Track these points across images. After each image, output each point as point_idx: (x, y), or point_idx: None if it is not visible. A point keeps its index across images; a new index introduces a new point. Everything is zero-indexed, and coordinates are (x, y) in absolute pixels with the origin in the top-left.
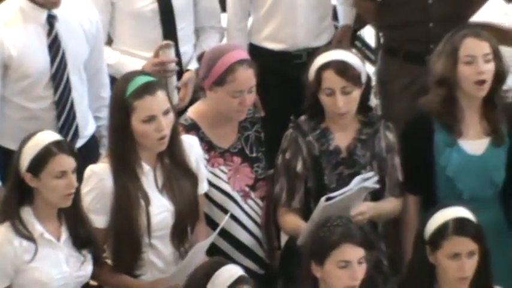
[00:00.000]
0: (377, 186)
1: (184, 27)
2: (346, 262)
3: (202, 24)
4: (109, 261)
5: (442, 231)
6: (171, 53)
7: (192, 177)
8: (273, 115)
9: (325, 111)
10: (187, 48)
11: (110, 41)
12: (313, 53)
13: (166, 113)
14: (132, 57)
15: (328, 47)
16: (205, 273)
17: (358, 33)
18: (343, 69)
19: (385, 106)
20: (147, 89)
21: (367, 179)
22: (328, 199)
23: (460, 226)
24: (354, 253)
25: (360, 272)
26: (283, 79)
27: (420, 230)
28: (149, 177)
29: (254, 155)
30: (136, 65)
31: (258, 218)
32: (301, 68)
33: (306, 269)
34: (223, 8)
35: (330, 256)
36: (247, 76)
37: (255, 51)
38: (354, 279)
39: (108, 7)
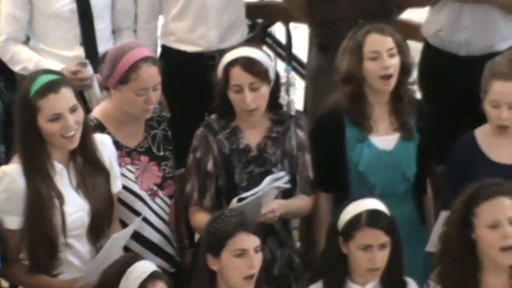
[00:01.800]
0: (288, 186)
1: (102, 27)
2: (242, 250)
3: (118, 25)
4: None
5: (355, 222)
6: (88, 71)
7: (105, 175)
8: (187, 116)
9: (235, 109)
10: (106, 48)
11: (28, 39)
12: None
13: (73, 110)
14: (50, 56)
15: (236, 44)
16: (118, 269)
17: (269, 30)
18: (250, 65)
19: (314, 102)
20: (50, 88)
21: (278, 179)
22: (239, 200)
23: (372, 218)
24: (249, 241)
25: (257, 260)
26: (195, 80)
27: (334, 221)
28: (63, 176)
29: (161, 153)
30: (55, 68)
31: (166, 217)
32: (214, 69)
33: (202, 263)
34: None
35: (226, 246)
36: (151, 73)
37: (168, 52)
38: (251, 268)
39: (28, 5)
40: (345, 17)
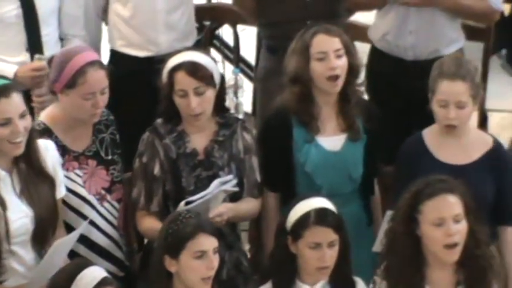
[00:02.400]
0: (236, 189)
1: (48, 33)
2: (202, 252)
3: (65, 32)
4: None
5: (303, 221)
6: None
7: (49, 182)
8: (137, 120)
9: (181, 114)
10: (52, 54)
11: None
12: None
13: (22, 116)
14: None
15: (180, 49)
16: (67, 276)
17: (217, 32)
18: (194, 69)
19: (263, 103)
20: (2, 92)
21: (226, 182)
22: (187, 203)
23: (321, 216)
24: (209, 242)
25: (216, 261)
26: (145, 84)
27: (282, 220)
28: (6, 183)
29: (110, 157)
30: (9, 69)
31: (114, 221)
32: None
33: (158, 266)
34: None
35: (186, 248)
36: (98, 77)
37: (116, 57)
38: (210, 269)
39: None
40: (293, 19)
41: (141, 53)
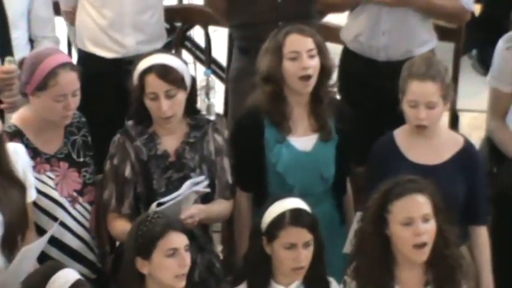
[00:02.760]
0: (208, 190)
1: (18, 36)
2: (174, 250)
3: (35, 33)
4: None
5: (278, 221)
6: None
7: (19, 186)
8: (107, 121)
9: (152, 116)
10: (22, 56)
11: None
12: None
13: None
14: None
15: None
16: (41, 278)
17: (188, 33)
18: (165, 72)
19: (235, 104)
20: None
21: (198, 183)
22: (159, 204)
23: (296, 217)
24: (180, 240)
25: (187, 258)
26: (115, 85)
27: (257, 221)
28: None
29: (81, 159)
30: None
31: (86, 223)
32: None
33: (130, 268)
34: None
35: (157, 247)
36: (70, 79)
37: (86, 57)
38: (183, 266)
39: None
40: (264, 20)
41: (109, 54)
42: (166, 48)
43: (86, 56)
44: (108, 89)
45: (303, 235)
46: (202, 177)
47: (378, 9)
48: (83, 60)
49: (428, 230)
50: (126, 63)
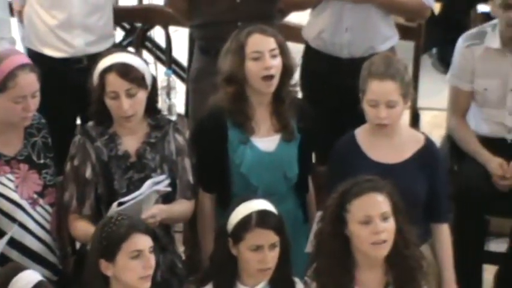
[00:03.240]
0: (168, 189)
1: None
2: (138, 251)
3: None
4: None
5: (244, 223)
6: None
7: None
8: (59, 121)
9: (112, 116)
10: None
11: None
12: (95, 57)
13: None
14: None
15: (110, 50)
16: (2, 279)
17: (148, 33)
18: (125, 71)
19: (196, 104)
20: None
21: (159, 183)
22: (120, 204)
23: (262, 218)
24: (144, 242)
25: (152, 260)
26: (65, 84)
27: (222, 223)
28: None
29: (42, 161)
30: None
31: (47, 225)
32: (83, 73)
33: (94, 271)
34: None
35: (121, 249)
36: (29, 81)
37: (35, 57)
38: (148, 268)
39: None
40: (224, 20)
41: (57, 54)
42: (126, 49)
43: (35, 55)
44: (59, 88)
45: (270, 237)
46: (163, 177)
47: (340, 6)
48: (31, 60)
49: (387, 228)
50: (74, 62)
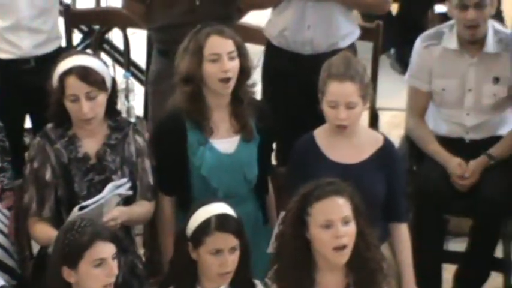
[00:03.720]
0: (130, 193)
1: None
2: (101, 260)
3: None
4: None
5: (204, 227)
6: None
7: None
8: (13, 123)
9: (72, 118)
10: None
11: None
12: (42, 58)
13: None
14: None
15: (70, 52)
16: None
17: (106, 36)
18: (85, 74)
19: (155, 107)
20: None
21: (120, 186)
22: (81, 208)
23: (222, 222)
24: (107, 250)
25: (115, 267)
26: (14, 86)
27: (182, 227)
28: None
29: None
30: None
31: (5, 229)
32: (32, 73)
33: (56, 277)
34: None
35: (84, 257)
36: None
37: None
38: (110, 276)
39: None
40: (183, 22)
41: (4, 56)
42: (84, 51)
43: None
44: (9, 89)
45: (229, 240)
46: (124, 180)
47: (303, 4)
48: None
49: (348, 232)
50: (21, 63)
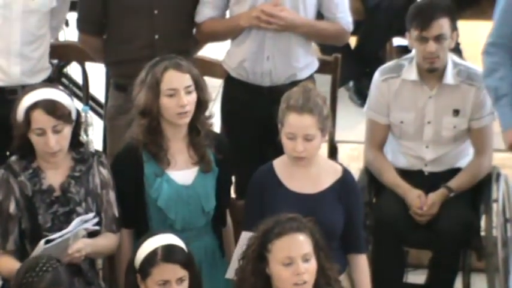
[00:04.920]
0: (97, 228)
1: None
2: None
3: None
4: None
5: (150, 259)
6: None
7: None
8: None
9: (36, 151)
10: None
11: None
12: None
13: None
14: None
15: (34, 85)
16: None
17: (65, 70)
18: (52, 108)
19: (112, 142)
20: None
21: (88, 221)
22: (47, 241)
23: (168, 253)
24: None
25: None
26: None
27: (131, 258)
28: None
29: None
30: None
31: None
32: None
33: None
34: None
35: None
36: None
37: None
38: None
39: None
40: (142, 56)
41: None
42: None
43: None
44: None
45: (176, 271)
46: (91, 215)
47: (262, 35)
48: None
49: (309, 269)
50: (8, 93)
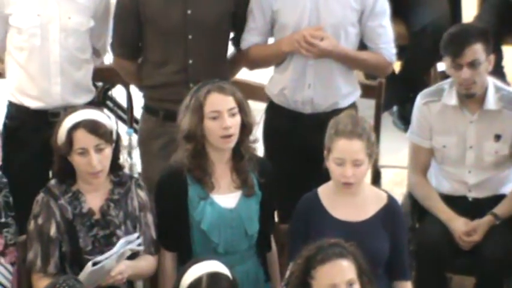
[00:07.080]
0: (141, 248)
1: None
2: None
3: None
4: None
5: (195, 286)
6: None
7: None
8: (29, 178)
9: (77, 173)
10: None
11: None
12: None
13: None
14: None
15: (74, 107)
16: None
17: (110, 93)
18: (94, 127)
19: (144, 165)
20: None
21: (131, 242)
22: (94, 264)
23: (213, 281)
24: None
25: None
26: (40, 137)
27: (176, 284)
28: None
29: (3, 220)
30: None
31: (8, 284)
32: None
33: None
34: None
35: None
36: None
37: (13, 107)
38: None
39: None
40: (176, 81)
41: (34, 104)
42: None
43: (14, 106)
44: (34, 140)
45: None
46: (135, 235)
47: (303, 63)
48: (11, 111)
49: None
50: (51, 115)
